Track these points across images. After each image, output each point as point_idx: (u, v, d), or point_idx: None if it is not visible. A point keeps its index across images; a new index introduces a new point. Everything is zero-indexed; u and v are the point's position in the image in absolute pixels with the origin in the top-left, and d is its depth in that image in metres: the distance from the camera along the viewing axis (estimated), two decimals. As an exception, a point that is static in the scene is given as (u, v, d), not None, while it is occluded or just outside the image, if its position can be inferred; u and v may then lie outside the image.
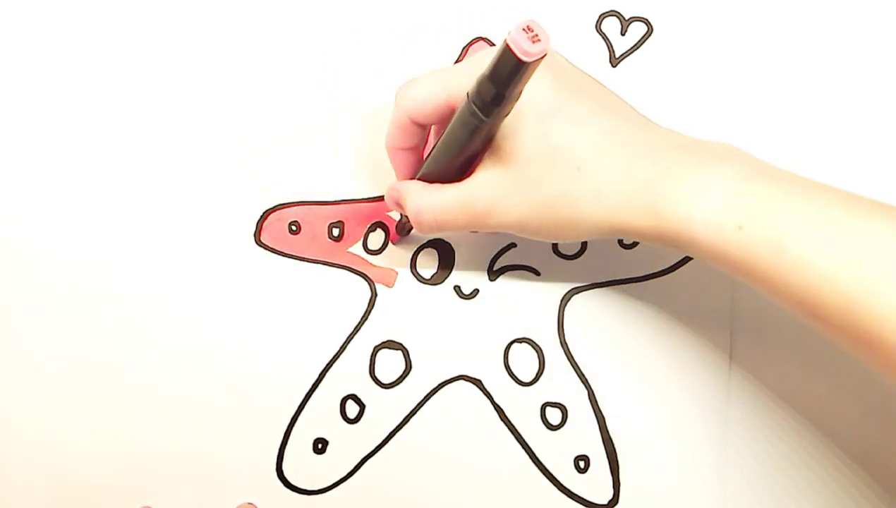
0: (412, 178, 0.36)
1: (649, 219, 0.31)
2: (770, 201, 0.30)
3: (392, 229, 0.40)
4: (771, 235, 0.29)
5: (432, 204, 0.33)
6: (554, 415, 0.39)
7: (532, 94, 0.31)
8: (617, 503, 0.39)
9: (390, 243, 0.40)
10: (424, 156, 0.36)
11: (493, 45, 0.42)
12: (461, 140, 0.32)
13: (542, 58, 0.27)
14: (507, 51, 0.27)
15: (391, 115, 0.35)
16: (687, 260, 0.40)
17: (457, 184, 0.33)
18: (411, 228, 0.39)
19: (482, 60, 0.31)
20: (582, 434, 0.39)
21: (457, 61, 0.42)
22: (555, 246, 0.40)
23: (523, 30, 0.26)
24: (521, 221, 0.33)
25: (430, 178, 0.35)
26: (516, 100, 0.30)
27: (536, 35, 0.27)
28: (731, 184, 0.30)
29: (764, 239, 0.29)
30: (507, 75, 0.28)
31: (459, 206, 0.33)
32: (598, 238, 0.33)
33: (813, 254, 0.28)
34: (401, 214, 0.39)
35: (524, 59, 0.27)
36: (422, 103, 0.33)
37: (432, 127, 0.36)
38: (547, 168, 0.31)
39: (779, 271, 0.29)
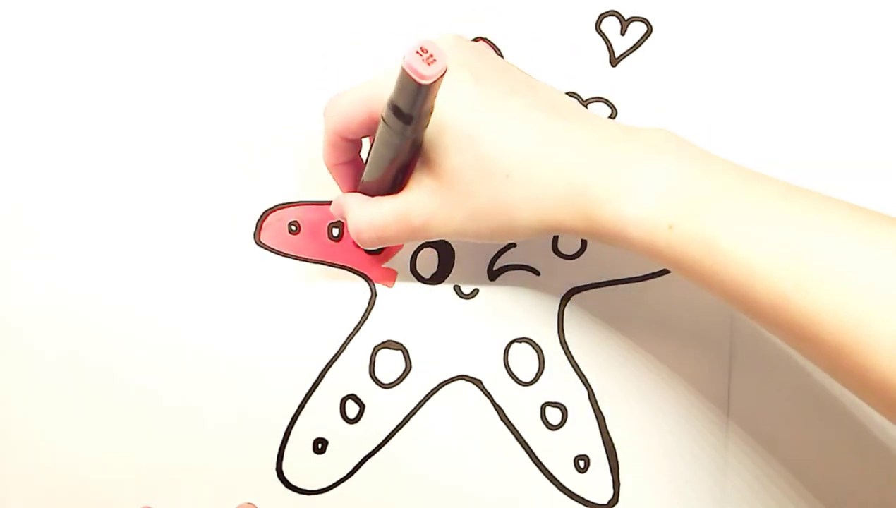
0: (352, 190, 0.37)
1: (582, 220, 0.31)
2: (701, 199, 0.29)
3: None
4: (702, 234, 0.29)
5: (371, 220, 0.34)
6: (554, 415, 0.39)
7: (456, 104, 0.31)
8: (617, 503, 0.39)
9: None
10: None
11: (494, 45, 0.42)
12: (386, 156, 0.32)
13: (442, 77, 0.27)
14: (404, 74, 0.27)
15: (323, 132, 0.35)
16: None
17: (392, 198, 0.33)
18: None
19: (389, 74, 0.31)
20: (582, 434, 0.39)
21: (456, 61, 0.42)
22: (555, 245, 0.40)
23: (417, 52, 0.27)
24: (458, 230, 0.33)
25: (368, 190, 0.35)
26: (430, 115, 0.30)
27: (431, 56, 0.27)
28: (661, 182, 0.30)
29: (694, 238, 0.29)
30: (410, 97, 0.28)
31: (396, 221, 0.33)
32: (535, 236, 0.33)
33: (745, 251, 0.28)
34: None
35: (421, 81, 0.27)
36: (347, 120, 0.34)
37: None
38: (477, 178, 0.31)
39: (711, 269, 0.29)
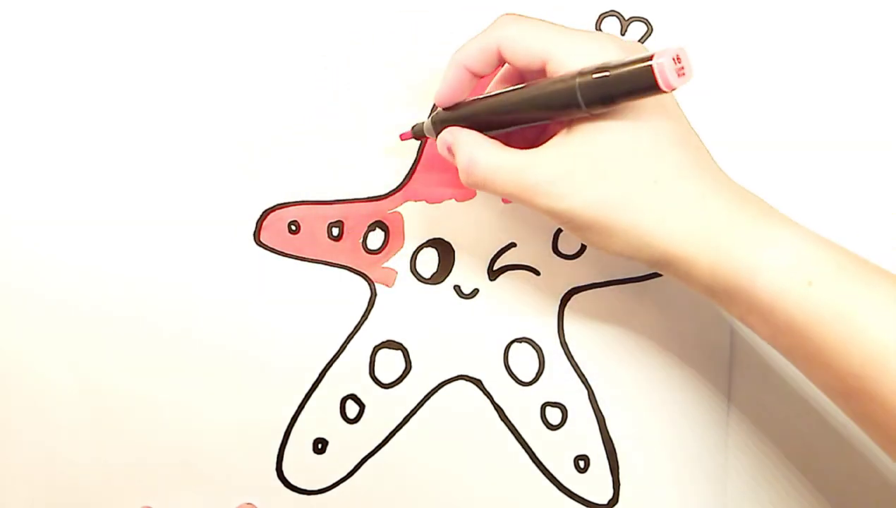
0: (453, 103, 0.35)
1: (709, 256, 0.29)
2: (845, 265, 0.28)
3: (392, 228, 0.40)
4: (842, 299, 0.28)
5: (488, 159, 0.31)
6: (554, 415, 0.39)
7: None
8: (617, 503, 0.39)
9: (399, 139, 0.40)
10: (481, 96, 0.34)
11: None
12: (544, 112, 0.31)
13: None
14: (648, 73, 0.26)
15: (479, 34, 0.33)
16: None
17: (520, 151, 0.31)
18: (424, 135, 0.37)
19: (595, 42, 0.30)
20: (582, 434, 0.39)
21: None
22: (555, 245, 0.40)
23: (673, 59, 0.26)
24: (572, 212, 0.30)
25: (479, 121, 0.33)
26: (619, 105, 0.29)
27: (682, 67, 0.26)
28: (805, 241, 0.29)
29: (834, 300, 0.28)
30: (634, 91, 0.27)
31: (513, 173, 0.31)
32: (632, 259, 0.31)
33: (882, 326, 0.27)
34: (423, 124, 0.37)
35: (665, 89, 0.26)
36: (517, 41, 0.31)
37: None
38: (623, 168, 0.30)
39: (842, 337, 0.28)
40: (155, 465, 0.39)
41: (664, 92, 0.26)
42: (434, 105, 0.37)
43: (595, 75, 0.28)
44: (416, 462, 0.39)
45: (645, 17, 0.42)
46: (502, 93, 0.33)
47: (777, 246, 0.29)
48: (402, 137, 0.39)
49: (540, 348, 0.40)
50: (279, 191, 0.41)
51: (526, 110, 0.32)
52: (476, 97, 0.34)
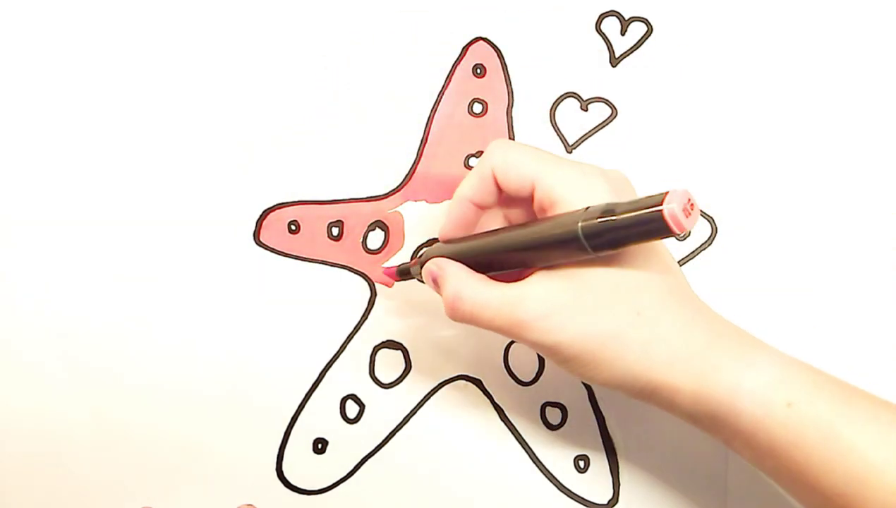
0: (455, 236, 0.35)
1: (692, 383, 0.30)
2: (822, 385, 0.29)
3: (392, 228, 0.40)
4: (822, 418, 0.28)
5: (474, 295, 0.32)
6: (554, 415, 0.39)
7: None
8: (617, 503, 0.39)
9: (382, 278, 0.40)
10: (476, 232, 0.35)
11: (494, 45, 0.42)
12: (544, 253, 0.31)
13: None
14: (659, 219, 0.26)
15: (476, 166, 0.34)
16: (686, 261, 0.40)
17: (506, 285, 0.32)
18: (411, 276, 0.38)
19: (583, 175, 0.31)
20: (582, 434, 0.39)
21: (457, 62, 0.42)
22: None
23: (684, 206, 0.26)
24: (559, 344, 0.31)
25: (472, 253, 0.33)
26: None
27: (692, 206, 0.26)
28: (781, 363, 0.30)
29: (814, 420, 0.28)
30: (642, 234, 0.27)
31: (500, 309, 0.31)
32: (617, 390, 0.32)
33: (864, 443, 0.28)
34: (408, 265, 0.38)
35: (677, 232, 0.26)
36: (509, 166, 0.32)
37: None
38: (608, 302, 0.30)
39: (826, 457, 0.28)
40: (155, 465, 0.39)
41: (676, 235, 0.27)
42: (417, 247, 0.39)
43: (600, 220, 0.28)
44: (416, 462, 0.39)
45: (645, 16, 0.42)
46: (499, 231, 0.33)
47: (755, 369, 0.30)
48: (386, 273, 0.39)
49: (540, 348, 0.40)
50: (279, 191, 0.41)
51: (525, 252, 0.32)
52: (470, 235, 0.35)
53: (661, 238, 0.28)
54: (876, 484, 0.28)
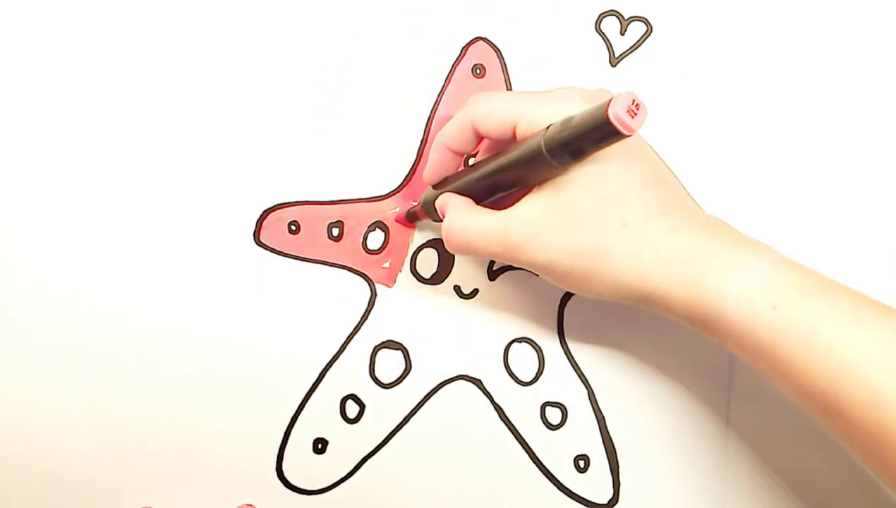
0: (441, 177, 0.37)
1: (682, 288, 0.31)
2: (806, 288, 0.30)
3: (392, 228, 0.40)
4: (804, 320, 0.29)
5: (467, 225, 0.33)
6: (554, 415, 0.39)
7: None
8: (617, 502, 0.39)
9: (391, 234, 0.40)
10: (463, 166, 0.36)
11: (493, 45, 0.42)
12: (520, 173, 0.32)
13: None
14: (605, 120, 0.27)
15: (456, 115, 0.35)
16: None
17: (497, 212, 0.33)
18: (418, 218, 0.39)
19: (557, 100, 0.32)
20: (582, 434, 0.39)
21: (456, 62, 0.42)
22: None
23: (629, 107, 0.27)
24: (550, 262, 0.32)
25: (467, 191, 0.35)
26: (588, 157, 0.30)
27: (637, 106, 0.27)
28: (767, 266, 0.30)
29: (797, 323, 0.29)
30: (597, 141, 0.28)
31: (493, 233, 0.33)
32: (615, 300, 0.33)
33: (845, 344, 0.28)
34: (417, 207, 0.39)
35: (626, 133, 0.27)
36: (488, 113, 0.33)
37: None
38: (593, 216, 0.31)
39: (807, 358, 0.29)
40: (155, 465, 0.39)
41: (626, 136, 0.27)
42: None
43: (558, 131, 0.29)
44: (416, 462, 0.39)
45: (645, 16, 0.42)
46: (479, 163, 0.34)
47: (742, 273, 0.30)
48: (397, 220, 0.40)
49: (540, 348, 0.40)
50: (279, 191, 0.41)
51: (502, 175, 0.33)
52: (459, 170, 0.36)
53: (615, 140, 0.28)
54: (856, 383, 0.28)
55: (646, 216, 0.32)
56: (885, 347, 0.28)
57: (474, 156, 0.39)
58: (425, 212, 0.38)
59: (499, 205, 0.34)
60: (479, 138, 0.35)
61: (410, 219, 0.40)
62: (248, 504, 0.39)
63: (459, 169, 0.37)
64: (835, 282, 0.31)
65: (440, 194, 0.36)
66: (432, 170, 0.37)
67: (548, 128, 0.30)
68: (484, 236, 0.33)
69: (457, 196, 0.35)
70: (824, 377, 0.29)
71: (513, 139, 0.33)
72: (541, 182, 0.32)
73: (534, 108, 0.32)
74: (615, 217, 0.31)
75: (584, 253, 0.32)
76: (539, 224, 0.32)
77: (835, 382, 0.28)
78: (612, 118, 0.27)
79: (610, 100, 0.27)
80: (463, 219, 0.34)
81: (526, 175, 0.32)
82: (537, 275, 0.40)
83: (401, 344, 0.40)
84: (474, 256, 0.34)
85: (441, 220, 0.36)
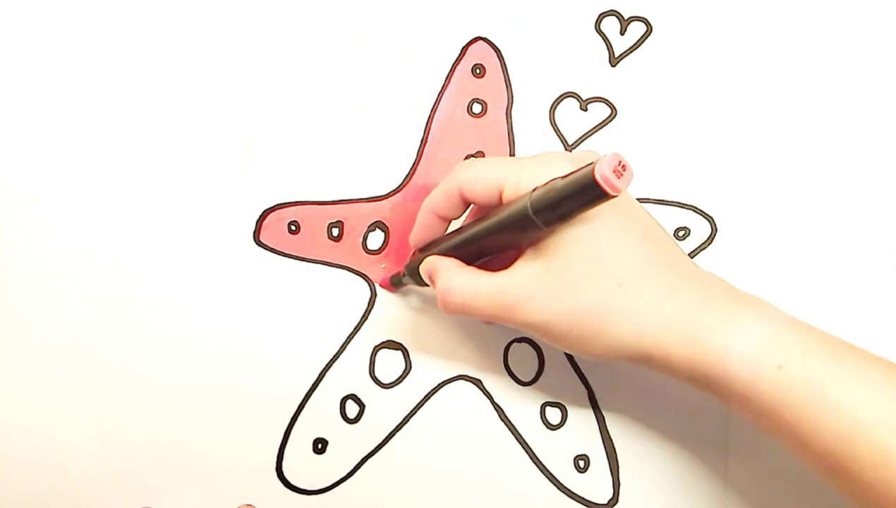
0: (427, 242, 0.37)
1: (684, 348, 0.31)
2: (811, 346, 0.30)
3: (391, 227, 0.40)
4: (811, 379, 0.29)
5: (463, 287, 0.33)
6: (554, 415, 0.39)
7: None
8: (617, 503, 0.39)
9: (378, 286, 0.40)
10: (449, 231, 0.37)
11: (493, 45, 0.42)
12: (508, 236, 0.33)
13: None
14: (591, 181, 0.27)
15: (443, 181, 0.35)
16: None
17: (493, 274, 0.33)
18: (403, 284, 0.39)
19: (542, 164, 0.32)
20: (582, 434, 0.39)
21: (456, 61, 0.42)
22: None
23: (615, 168, 0.27)
24: (548, 324, 0.32)
25: (454, 254, 0.35)
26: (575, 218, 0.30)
27: (623, 167, 0.27)
28: (770, 324, 0.30)
29: (803, 381, 0.29)
30: (582, 200, 0.29)
31: (490, 296, 0.33)
32: (615, 361, 0.33)
33: (853, 402, 0.28)
34: (405, 271, 0.39)
35: (612, 194, 0.27)
36: (475, 178, 0.34)
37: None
38: (588, 278, 0.31)
39: (814, 416, 0.29)
40: (155, 465, 0.39)
41: (612, 196, 0.27)
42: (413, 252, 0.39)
43: (544, 192, 0.30)
44: (416, 462, 0.39)
45: (644, 16, 0.42)
46: (470, 225, 0.35)
47: (745, 332, 0.30)
48: (381, 285, 0.40)
49: (540, 348, 0.40)
50: (279, 191, 0.41)
51: (490, 238, 0.33)
52: (446, 233, 0.36)
53: (602, 201, 0.28)
54: (865, 442, 0.28)
55: (641, 276, 0.31)
56: (894, 405, 0.28)
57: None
58: (411, 277, 0.38)
59: (486, 268, 0.34)
60: (466, 204, 0.35)
61: (395, 284, 0.40)
62: (247, 505, 0.39)
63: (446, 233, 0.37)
64: (838, 340, 0.30)
65: (426, 257, 0.36)
66: (418, 234, 0.37)
67: (534, 190, 0.30)
68: (480, 297, 0.33)
69: (446, 258, 0.35)
70: (832, 435, 0.28)
71: (499, 204, 0.33)
72: (534, 243, 0.32)
73: (519, 172, 0.32)
74: (610, 278, 0.31)
75: (582, 314, 0.32)
76: (535, 286, 0.32)
77: (843, 440, 0.28)
78: (598, 179, 0.27)
79: (595, 162, 0.27)
80: (459, 280, 0.33)
81: (513, 237, 0.33)
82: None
83: (401, 344, 0.40)
84: (469, 317, 0.34)
85: (425, 285, 0.36)
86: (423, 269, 0.36)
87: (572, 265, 0.31)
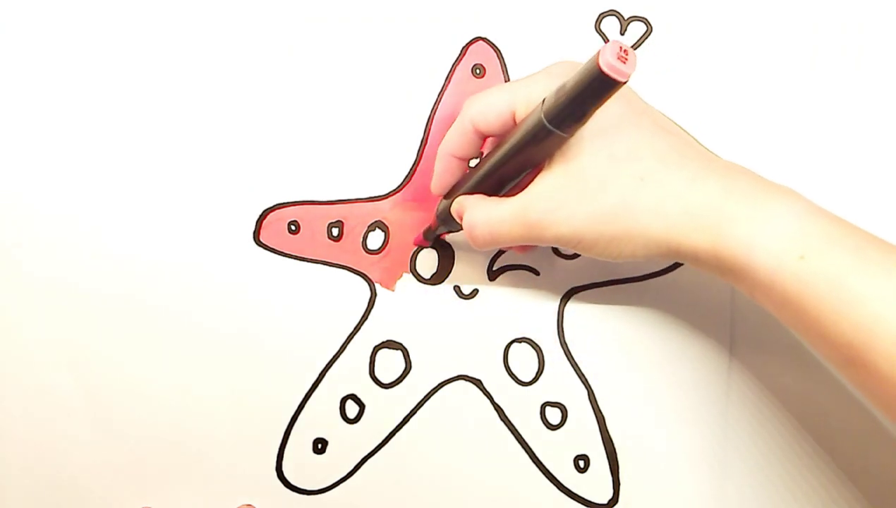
0: (449, 186, 0.36)
1: (709, 238, 0.30)
2: (835, 237, 0.29)
3: (391, 227, 0.40)
4: (832, 270, 0.28)
5: (488, 217, 0.33)
6: (554, 415, 0.39)
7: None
8: (617, 502, 0.39)
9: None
10: (469, 169, 0.36)
11: (492, 45, 0.42)
12: (527, 152, 0.32)
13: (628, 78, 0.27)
14: (598, 72, 0.27)
15: (455, 123, 0.35)
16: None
17: (512, 197, 0.33)
18: (437, 235, 0.39)
19: (548, 75, 0.31)
20: (582, 434, 0.39)
21: (456, 61, 0.42)
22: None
23: (618, 54, 0.27)
24: (577, 233, 0.32)
25: (480, 190, 0.35)
26: (590, 118, 0.30)
27: (626, 53, 0.27)
28: (796, 215, 0.30)
29: (825, 272, 0.29)
30: (593, 95, 0.28)
31: (514, 218, 0.32)
32: (648, 258, 0.32)
33: (873, 295, 0.28)
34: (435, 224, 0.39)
35: (620, 79, 0.27)
36: (486, 110, 0.33)
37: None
38: (608, 178, 0.31)
39: (833, 308, 0.28)
40: (155, 465, 0.39)
41: (621, 83, 0.27)
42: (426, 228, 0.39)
43: (554, 99, 0.29)
44: (416, 462, 0.39)
45: (644, 16, 0.42)
46: (484, 159, 0.34)
47: (770, 222, 0.30)
48: (416, 242, 0.40)
49: (540, 348, 0.40)
50: (279, 191, 0.41)
51: (510, 162, 0.33)
52: (466, 174, 0.36)
53: (612, 91, 0.28)
54: (882, 335, 0.28)
55: (662, 167, 0.31)
56: None
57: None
58: (442, 223, 0.38)
59: (514, 194, 0.33)
60: (482, 139, 0.35)
61: (428, 237, 0.40)
62: (247, 505, 0.39)
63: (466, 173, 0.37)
64: (864, 232, 0.30)
65: (453, 200, 0.36)
66: (440, 180, 0.37)
67: (544, 101, 0.30)
68: (505, 222, 0.32)
69: (471, 195, 0.35)
70: (850, 327, 0.28)
71: (514, 127, 0.33)
72: (549, 157, 0.32)
73: (527, 89, 0.32)
74: (630, 174, 0.31)
75: (608, 216, 0.31)
76: (557, 197, 0.31)
77: (860, 333, 0.28)
78: (604, 68, 0.27)
79: (598, 52, 0.27)
80: (482, 211, 0.33)
81: (532, 154, 0.32)
82: (538, 275, 0.40)
83: (401, 344, 0.40)
84: (502, 247, 0.34)
85: (456, 229, 0.36)
86: (453, 211, 0.35)
87: (590, 168, 0.31)
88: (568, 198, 0.31)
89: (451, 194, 0.36)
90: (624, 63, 0.27)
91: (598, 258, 0.33)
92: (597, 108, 0.29)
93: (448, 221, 0.37)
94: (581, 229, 0.31)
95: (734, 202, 0.30)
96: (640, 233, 0.31)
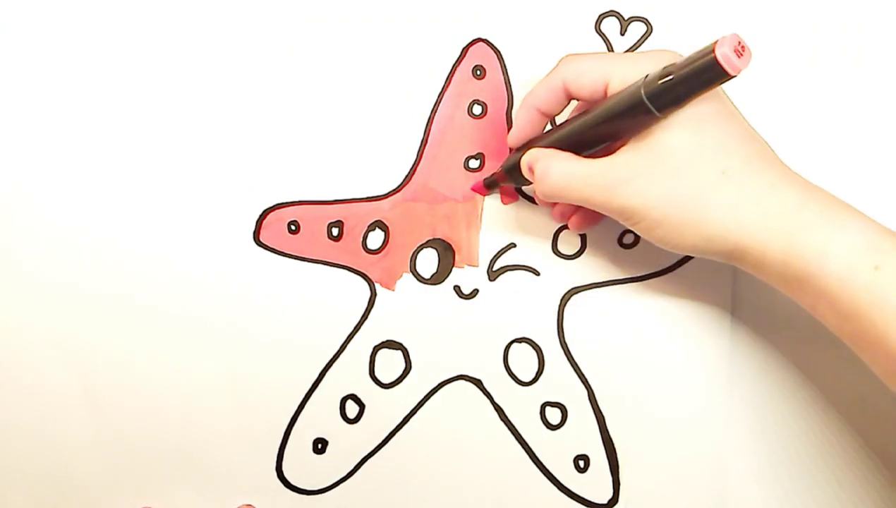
0: (526, 140, 0.37)
1: (780, 243, 0.30)
2: None
3: (391, 226, 0.40)
4: None
5: (565, 167, 0.33)
6: (554, 415, 0.39)
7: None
8: (617, 502, 0.39)
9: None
10: (549, 128, 0.37)
11: (492, 45, 0.42)
12: (616, 123, 0.32)
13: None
14: (712, 60, 0.27)
15: (545, 77, 0.35)
16: (687, 259, 0.40)
17: (593, 160, 0.33)
18: (498, 184, 0.39)
19: (651, 58, 0.32)
20: (582, 434, 0.39)
21: (457, 61, 0.42)
22: (555, 245, 0.40)
23: (735, 47, 0.27)
24: (645, 207, 0.32)
25: (558, 146, 0.35)
26: (687, 104, 0.30)
27: (744, 47, 0.27)
28: (871, 227, 0.30)
29: None
30: (701, 82, 0.29)
31: (590, 176, 0.33)
32: (704, 254, 0.32)
33: None
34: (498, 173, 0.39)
35: (732, 73, 0.27)
36: (580, 74, 0.34)
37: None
38: (692, 163, 0.31)
39: None
40: (155, 465, 0.39)
41: (732, 76, 0.27)
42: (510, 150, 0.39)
43: (661, 80, 0.30)
44: (416, 462, 0.39)
45: (645, 16, 0.42)
46: (574, 118, 0.35)
47: (845, 231, 0.30)
48: (473, 188, 0.40)
49: (540, 348, 0.40)
50: (279, 191, 0.41)
51: (597, 128, 0.33)
52: (548, 129, 0.36)
53: (719, 82, 0.28)
54: None
55: (745, 168, 0.31)
56: None
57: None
58: (507, 175, 0.38)
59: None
60: (568, 99, 0.35)
61: (489, 185, 0.40)
62: (247, 505, 0.39)
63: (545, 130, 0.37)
64: None
65: (524, 153, 0.36)
66: (519, 132, 0.37)
67: (646, 77, 0.31)
68: (578, 178, 0.33)
69: (549, 149, 0.35)
70: None
71: (604, 98, 0.33)
72: (633, 135, 0.32)
73: (626, 66, 0.32)
74: (713, 166, 0.31)
75: (681, 201, 0.31)
76: (636, 169, 0.32)
77: None
78: (720, 58, 0.27)
79: (716, 42, 0.27)
80: (559, 163, 0.33)
81: (620, 127, 0.32)
82: (538, 275, 0.40)
83: (401, 344, 0.40)
84: (564, 200, 0.34)
85: (526, 182, 0.36)
86: (524, 161, 0.35)
87: (677, 152, 0.31)
88: (647, 173, 0.31)
89: (522, 149, 0.37)
90: (739, 57, 0.27)
91: (655, 242, 0.33)
92: (697, 96, 0.30)
93: (513, 173, 0.37)
94: (651, 206, 0.32)
95: (810, 211, 0.30)
96: (711, 226, 0.31)
